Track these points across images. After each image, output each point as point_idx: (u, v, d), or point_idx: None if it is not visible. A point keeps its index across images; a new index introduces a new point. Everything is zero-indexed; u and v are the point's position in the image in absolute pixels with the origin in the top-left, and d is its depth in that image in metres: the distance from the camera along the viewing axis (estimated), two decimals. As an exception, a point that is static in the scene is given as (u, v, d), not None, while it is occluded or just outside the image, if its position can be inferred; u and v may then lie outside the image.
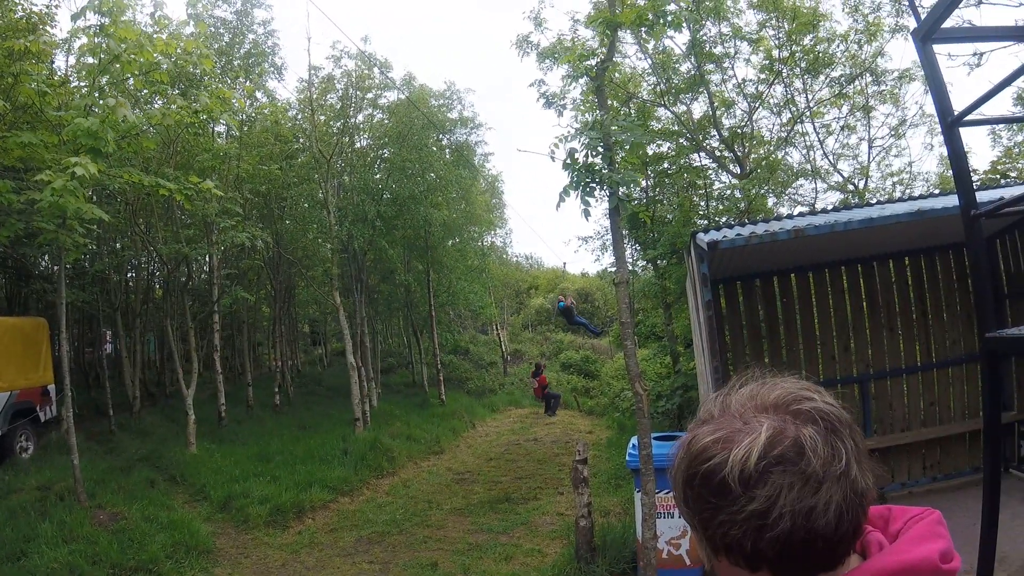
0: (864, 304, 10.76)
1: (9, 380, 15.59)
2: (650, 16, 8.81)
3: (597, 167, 8.02)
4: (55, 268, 22.17)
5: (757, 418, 1.29)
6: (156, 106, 13.98)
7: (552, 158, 8.29)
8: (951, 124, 3.39)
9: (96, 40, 12.52)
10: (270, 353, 32.71)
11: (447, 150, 25.23)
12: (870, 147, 19.66)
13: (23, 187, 12.73)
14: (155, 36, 12.69)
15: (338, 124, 22.11)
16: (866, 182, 19.71)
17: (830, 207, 17.42)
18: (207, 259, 21.76)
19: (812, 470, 1.21)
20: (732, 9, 17.50)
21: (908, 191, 19.48)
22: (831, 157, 19.83)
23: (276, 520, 12.71)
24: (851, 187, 19.46)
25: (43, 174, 11.10)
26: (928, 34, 3.44)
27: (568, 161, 8.08)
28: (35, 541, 10.08)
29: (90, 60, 14.04)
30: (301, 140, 21.96)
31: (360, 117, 23.06)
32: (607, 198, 8.29)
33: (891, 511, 1.40)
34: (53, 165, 11.72)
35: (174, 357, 19.08)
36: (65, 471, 13.22)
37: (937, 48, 3.56)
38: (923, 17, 3.76)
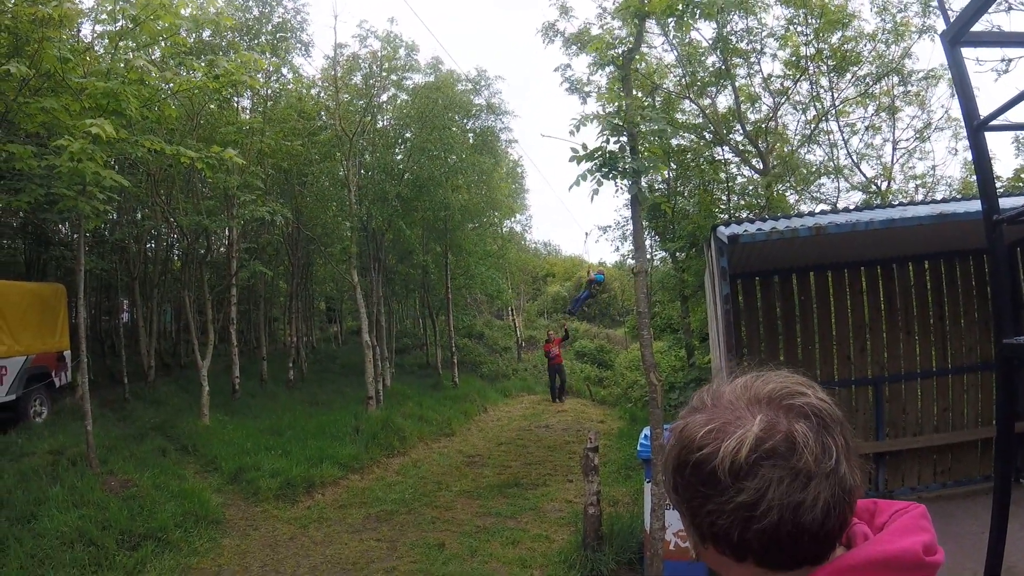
0: (882, 306, 10.72)
1: (25, 344, 15.72)
2: (680, 7, 8.76)
3: (618, 155, 7.96)
4: (74, 235, 22.31)
5: (750, 410, 1.30)
6: (179, 74, 13.97)
7: (573, 133, 8.25)
8: (977, 128, 3.34)
9: (117, 4, 12.54)
10: (285, 329, 32.81)
11: (471, 134, 25.17)
12: (894, 148, 19.56)
13: (44, 152, 12.76)
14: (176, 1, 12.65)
15: (361, 103, 22.04)
16: (889, 184, 19.59)
17: (852, 207, 17.33)
18: (227, 232, 21.82)
19: (802, 466, 1.23)
20: (760, 3, 17.39)
21: (931, 194, 19.35)
22: (854, 156, 19.70)
23: (286, 494, 12.76)
24: (874, 188, 19.33)
25: (62, 139, 11.11)
26: (956, 37, 3.38)
27: (583, 152, 8.01)
28: (46, 504, 10.13)
29: (112, 27, 14.11)
30: (324, 117, 21.95)
31: (384, 97, 22.98)
32: (627, 187, 8.25)
33: (877, 504, 1.41)
34: (75, 131, 11.74)
35: (190, 328, 19.15)
36: (78, 437, 13.31)
37: (965, 52, 3.50)
38: (952, 20, 3.71)
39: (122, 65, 12.43)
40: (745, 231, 8.02)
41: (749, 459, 1.22)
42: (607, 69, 12.77)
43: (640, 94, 17.80)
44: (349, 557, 10.12)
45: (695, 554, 1.46)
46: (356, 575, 9.57)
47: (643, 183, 8.19)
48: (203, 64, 14.23)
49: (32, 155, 12.50)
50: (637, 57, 13.05)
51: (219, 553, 10.21)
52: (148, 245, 24.65)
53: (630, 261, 25.91)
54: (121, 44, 12.99)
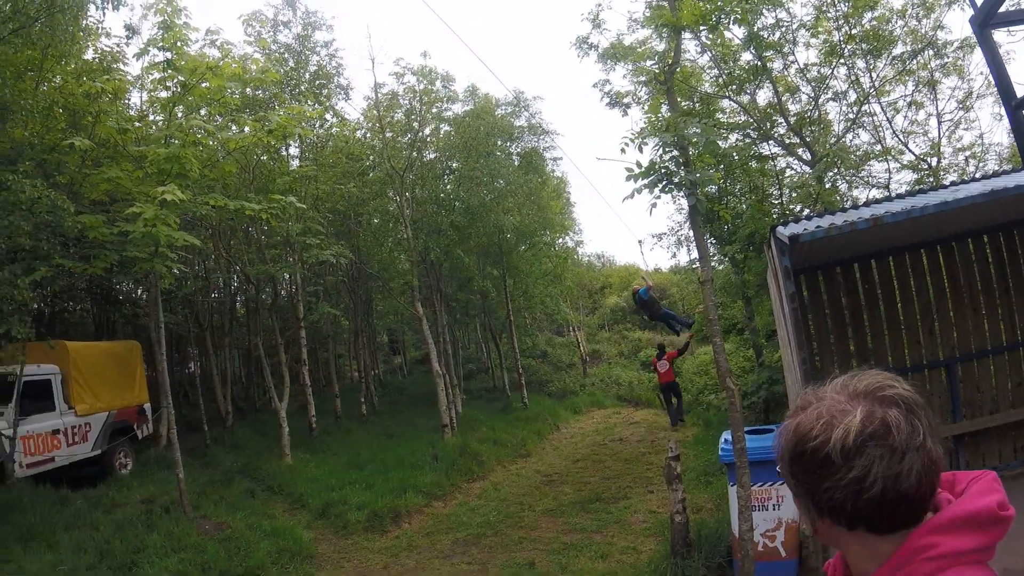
0: (946, 285, 10.57)
1: (107, 401, 16.41)
2: (713, 18, 8.95)
3: (672, 170, 8.14)
4: (140, 292, 22.93)
5: (851, 403, 1.60)
6: (232, 132, 14.44)
7: (623, 151, 8.43)
8: (1016, 107, 3.53)
9: (165, 73, 13.03)
10: (351, 364, 33.21)
11: (515, 157, 25.41)
12: (939, 122, 19.20)
13: (113, 219, 13.26)
14: (221, 63, 13.13)
15: (407, 139, 22.43)
16: (939, 160, 19.37)
17: (904, 189, 17.18)
18: (288, 277, 22.29)
19: (897, 444, 1.52)
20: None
21: (981, 165, 19.14)
22: (901, 136, 19.49)
23: (373, 525, 13.08)
24: (924, 165, 19.13)
25: (134, 206, 11.58)
26: (985, 20, 3.56)
27: (639, 170, 8.20)
28: (144, 552, 10.56)
29: (162, 94, 14.63)
30: (372, 157, 22.36)
31: (428, 131, 23.35)
32: (685, 197, 8.42)
33: (955, 476, 1.68)
34: (139, 197, 12.24)
35: (264, 372, 19.65)
36: (167, 484, 13.82)
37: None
38: (980, 4, 3.89)
39: (180, 129, 12.90)
40: (804, 229, 8.07)
41: (856, 442, 1.53)
42: (647, 83, 12.93)
43: (679, 99, 17.90)
44: (443, 582, 10.38)
45: (811, 530, 1.74)
46: (452, 599, 9.83)
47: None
48: (251, 119, 14.69)
49: (103, 224, 13.02)
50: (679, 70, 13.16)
51: (315, 587, 10.54)
52: (213, 295, 25.26)
53: (682, 263, 26.00)
54: (174, 112, 13.48)
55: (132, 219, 11.76)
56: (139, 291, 23.55)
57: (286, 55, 20.71)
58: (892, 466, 1.51)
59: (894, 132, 19.35)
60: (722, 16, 9.65)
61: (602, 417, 27.09)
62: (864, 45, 17.68)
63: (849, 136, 19.48)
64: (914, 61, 18.31)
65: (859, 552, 1.64)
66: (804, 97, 19.56)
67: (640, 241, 30.20)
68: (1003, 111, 18.71)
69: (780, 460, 1.71)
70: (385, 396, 29.60)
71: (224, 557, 10.59)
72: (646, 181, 8.20)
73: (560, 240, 32.51)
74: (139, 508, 12.75)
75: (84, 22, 15.23)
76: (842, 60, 18.08)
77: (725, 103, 19.72)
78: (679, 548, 9.44)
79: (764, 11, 16.53)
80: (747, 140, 18.62)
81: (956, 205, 7.90)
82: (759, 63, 17.33)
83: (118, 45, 16.00)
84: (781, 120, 18.71)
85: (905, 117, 19.47)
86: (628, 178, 8.26)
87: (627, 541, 11.43)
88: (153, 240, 11.87)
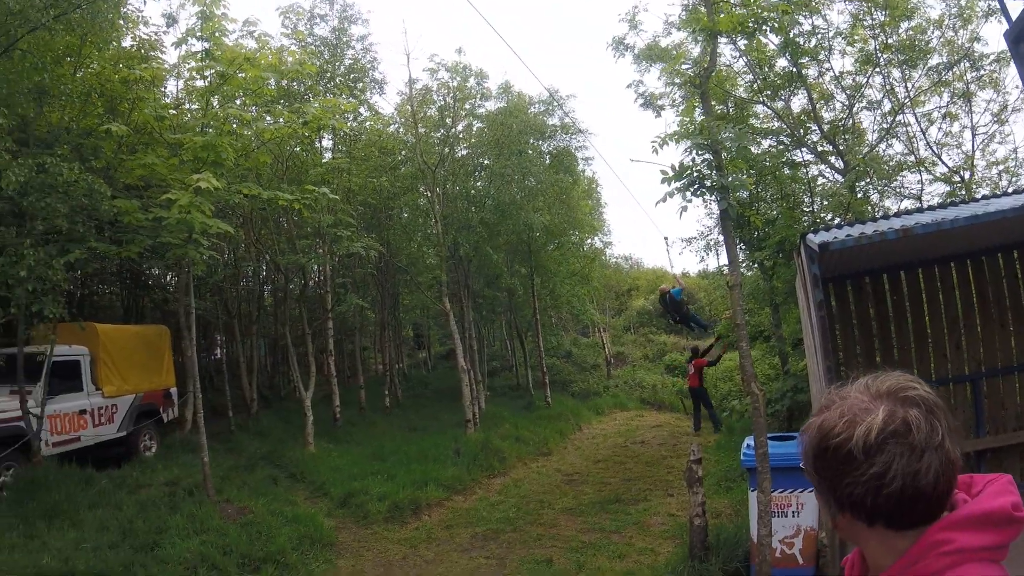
0: (974, 300, 10.45)
1: (134, 383, 16.68)
2: (751, 23, 8.94)
3: (704, 173, 8.18)
4: (170, 277, 23.15)
5: (873, 403, 1.67)
6: (267, 122, 14.58)
7: (656, 152, 8.47)
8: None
9: (203, 62, 13.17)
10: (376, 357, 33.33)
11: (547, 156, 25.42)
12: (973, 135, 18.99)
13: (147, 205, 13.43)
14: (258, 54, 13.25)
15: (439, 135, 22.54)
16: (972, 173, 19.18)
17: (935, 201, 17.06)
18: (317, 268, 22.44)
19: (917, 442, 1.59)
20: (824, 1, 17.28)
21: (1014, 179, 18.93)
22: (934, 147, 19.32)
23: (394, 516, 13.19)
24: (957, 178, 18.95)
25: (169, 193, 11.73)
26: (1020, 35, 3.57)
27: (672, 173, 8.24)
28: (167, 532, 10.71)
29: (199, 83, 14.79)
30: (404, 152, 22.46)
31: (460, 127, 23.46)
32: (716, 201, 8.44)
33: (972, 478, 1.73)
34: (173, 183, 12.39)
35: (289, 361, 19.80)
36: (191, 468, 14.00)
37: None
38: (1015, 19, 3.90)
39: (219, 117, 13.04)
40: (835, 238, 8.02)
41: (877, 439, 1.59)
42: (682, 86, 12.91)
43: (713, 102, 17.80)
44: (460, 575, 10.45)
45: (831, 524, 1.83)
46: (469, 592, 9.90)
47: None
48: (287, 110, 14.81)
49: (138, 209, 13.19)
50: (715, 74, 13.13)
51: (335, 574, 10.67)
52: (242, 283, 25.44)
53: (710, 267, 25.87)
54: (210, 101, 13.63)
55: (167, 205, 11.91)
56: (168, 276, 23.75)
57: (322, 48, 20.87)
58: (911, 464, 1.58)
59: (928, 143, 19.17)
60: (760, 24, 9.61)
61: (624, 419, 27.07)
62: (900, 55, 17.55)
63: (882, 146, 19.31)
64: (950, 72, 18.13)
65: (877, 547, 1.71)
66: (838, 105, 19.39)
67: (666, 238, 30.00)
68: (1038, 126, 18.67)
69: (804, 456, 1.79)
70: (409, 390, 29.74)
71: (245, 541, 10.70)
72: (679, 184, 8.24)
73: (589, 241, 32.45)
74: (163, 490, 12.95)
75: (124, 10, 15.40)
76: (877, 69, 17.95)
77: (759, 108, 19.59)
78: (697, 551, 9.48)
79: (800, 18, 16.46)
80: (780, 146, 18.52)
81: (987, 219, 7.84)
82: (794, 69, 17.25)
83: (156, 34, 16.20)
84: (815, 127, 18.58)
85: (939, 128, 19.28)
86: (663, 180, 8.30)
87: (645, 542, 11.47)
88: (187, 226, 12.02)
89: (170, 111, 15.57)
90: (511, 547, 11.61)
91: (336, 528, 12.45)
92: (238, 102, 14.43)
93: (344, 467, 15.55)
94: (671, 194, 8.32)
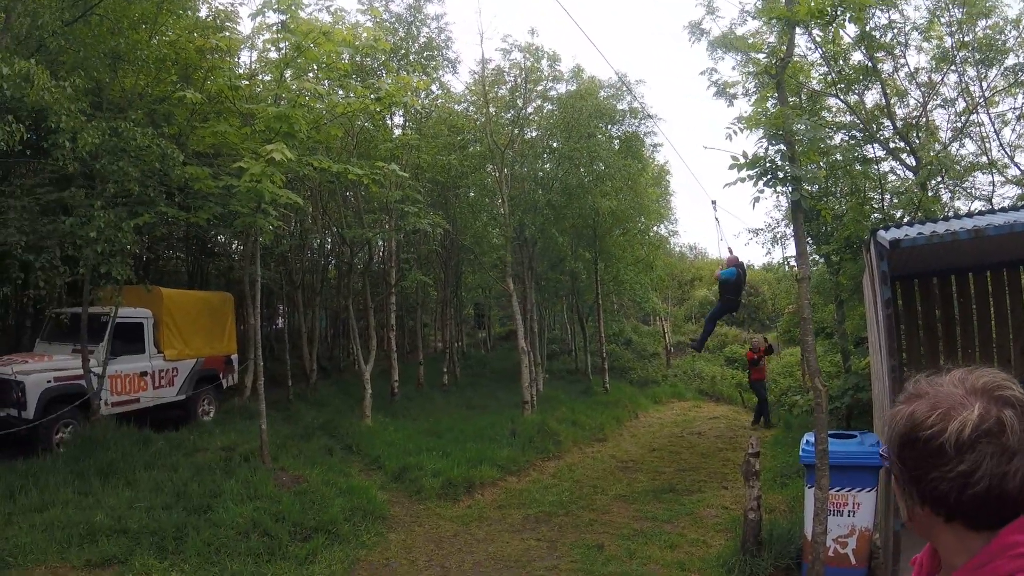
0: None
1: (196, 348, 17.05)
2: (829, 10, 8.76)
3: (777, 164, 8.07)
4: (236, 245, 23.45)
5: (968, 399, 1.62)
6: (339, 96, 14.64)
7: (730, 139, 8.39)
8: None
9: (278, 34, 13.25)
10: (436, 334, 33.54)
11: (616, 140, 25.29)
12: None
13: (217, 173, 13.60)
14: (334, 29, 13.28)
15: (509, 115, 22.52)
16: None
17: (1008, 203, 16.71)
18: (382, 243, 22.58)
19: (1009, 444, 1.55)
20: (901, -4, 16.95)
21: (1089, 185, 18.50)
22: (1007, 149, 18.87)
23: (447, 493, 13.21)
24: (1030, 182, 18.51)
25: (242, 161, 11.85)
26: None
27: (744, 161, 8.14)
28: (220, 497, 10.82)
29: (273, 55, 14.90)
30: (473, 131, 22.46)
31: (530, 109, 23.40)
32: (788, 193, 8.33)
33: None
34: (244, 152, 12.52)
35: (351, 334, 19.98)
36: (247, 434, 14.22)
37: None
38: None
39: (293, 89, 13.12)
40: (906, 235, 7.92)
41: (971, 437, 1.55)
42: (757, 76, 12.71)
43: (787, 94, 17.50)
44: (511, 555, 10.43)
45: (906, 517, 1.77)
46: (519, 572, 9.85)
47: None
48: (360, 86, 14.85)
49: (209, 176, 13.36)
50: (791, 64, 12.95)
51: (386, 547, 10.67)
52: (307, 255, 25.70)
53: (775, 260, 25.52)
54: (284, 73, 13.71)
55: (238, 174, 12.04)
56: (234, 245, 24.08)
57: (396, 25, 20.90)
58: (1000, 465, 1.54)
59: (1001, 144, 18.69)
60: (838, 11, 9.44)
61: (682, 409, 26.97)
62: (976, 53, 17.18)
63: (955, 145, 18.92)
64: None
65: (951, 544, 1.67)
66: (912, 102, 19.04)
67: (714, 202, 29.02)
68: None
69: (889, 443, 1.74)
70: (467, 368, 29.88)
71: (298, 509, 10.78)
72: (751, 172, 8.14)
73: (655, 228, 32.25)
74: (219, 454, 13.17)
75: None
76: (953, 67, 17.61)
77: (831, 101, 19.30)
78: (749, 545, 9.39)
79: (878, 11, 16.18)
80: (852, 141, 18.22)
81: None
82: (869, 64, 16.96)
83: (232, 4, 16.34)
84: (887, 123, 18.26)
85: (1013, 130, 18.82)
86: (732, 167, 8.21)
87: (697, 534, 11.37)
88: (257, 196, 12.14)
89: (244, 81, 15.74)
90: (563, 531, 11.57)
91: (389, 502, 12.50)
92: (311, 75, 14.51)
93: (399, 442, 15.62)
94: (741, 180, 8.21)
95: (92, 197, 12.80)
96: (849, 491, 8.60)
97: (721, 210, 49.54)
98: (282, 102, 13.04)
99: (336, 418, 17.10)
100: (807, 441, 8.84)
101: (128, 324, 15.27)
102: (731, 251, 17.35)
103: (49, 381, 13.40)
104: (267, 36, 14.32)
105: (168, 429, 14.87)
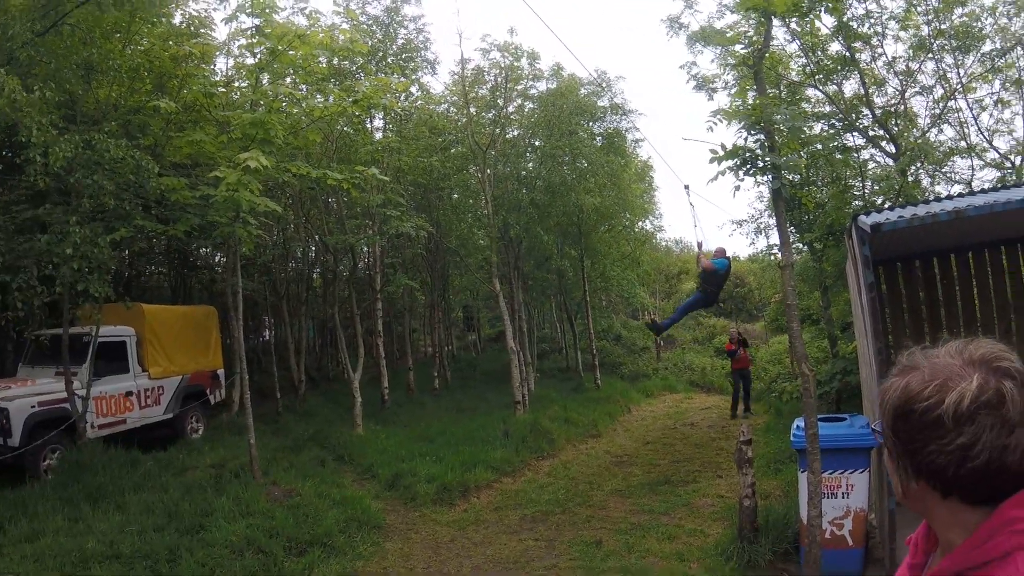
0: None
1: (181, 364, 16.81)
2: (805, 4, 8.75)
3: (757, 153, 8.02)
4: (218, 258, 23.28)
5: (966, 370, 1.55)
6: (317, 100, 14.51)
7: (711, 130, 8.34)
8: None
9: (253, 39, 13.09)
10: (425, 339, 33.44)
11: (598, 137, 25.22)
12: None
13: (195, 183, 13.43)
14: (310, 31, 13.14)
15: (490, 115, 22.43)
16: (1023, 159, 18.91)
17: (988, 186, 16.87)
18: (366, 249, 22.43)
19: (1010, 416, 1.49)
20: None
21: (1065, 166, 18.70)
22: (986, 133, 19.08)
23: (442, 498, 13.11)
24: (1008, 164, 18.70)
25: (218, 170, 11.69)
26: None
27: (723, 152, 8.09)
28: (213, 515, 10.65)
29: (249, 61, 14.74)
30: (454, 132, 22.37)
31: (511, 108, 23.35)
32: (768, 182, 8.30)
33: None
34: (222, 161, 12.36)
35: (338, 343, 19.84)
36: (237, 449, 14.06)
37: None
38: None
39: (269, 94, 12.99)
40: (887, 219, 8.04)
41: (970, 409, 1.48)
42: (735, 67, 12.71)
43: (766, 86, 17.49)
44: (510, 556, 10.35)
45: (900, 492, 1.70)
46: (518, 573, 9.78)
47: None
48: (338, 89, 14.72)
49: (185, 187, 13.18)
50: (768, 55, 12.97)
51: (383, 556, 10.56)
52: (291, 264, 25.53)
53: (759, 249, 25.57)
54: (260, 78, 13.56)
55: (215, 183, 11.87)
56: (217, 257, 23.91)
57: (374, 27, 20.79)
58: (1000, 437, 1.48)
59: (979, 129, 19.01)
60: (814, 4, 9.49)
61: (674, 401, 27.03)
62: (953, 41, 17.34)
63: (934, 131, 19.13)
64: (1002, 59, 17.95)
65: (947, 520, 1.62)
66: (890, 90, 19.29)
67: (687, 186, 29.07)
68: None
69: (883, 415, 1.67)
70: (458, 372, 29.86)
71: (292, 524, 10.66)
72: (730, 163, 8.13)
73: (640, 224, 32.26)
74: (209, 472, 13.03)
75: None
76: (930, 55, 17.78)
77: (811, 92, 19.40)
78: (746, 532, 9.46)
79: (855, 2, 16.25)
80: (831, 130, 18.30)
81: None
82: (847, 54, 17.05)
83: (206, 10, 16.19)
84: (866, 112, 18.36)
85: (991, 115, 19.06)
86: (712, 159, 8.19)
87: (694, 524, 11.38)
88: (235, 205, 11.98)
89: (219, 88, 15.58)
90: (560, 529, 11.52)
91: (384, 510, 12.40)
92: (288, 80, 14.37)
93: (392, 449, 15.52)
94: (722, 172, 8.25)
95: (68, 213, 12.61)
96: (842, 473, 8.67)
97: (697, 196, 49.46)
98: (259, 108, 12.87)
99: (326, 428, 16.95)
100: (797, 426, 8.92)
101: (110, 343, 15.05)
102: (701, 245, 17.06)
103: (33, 406, 13.14)
104: (242, 41, 14.17)
105: (156, 449, 14.65)
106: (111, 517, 10.58)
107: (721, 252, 16.85)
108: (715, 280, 16.21)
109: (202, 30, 15.91)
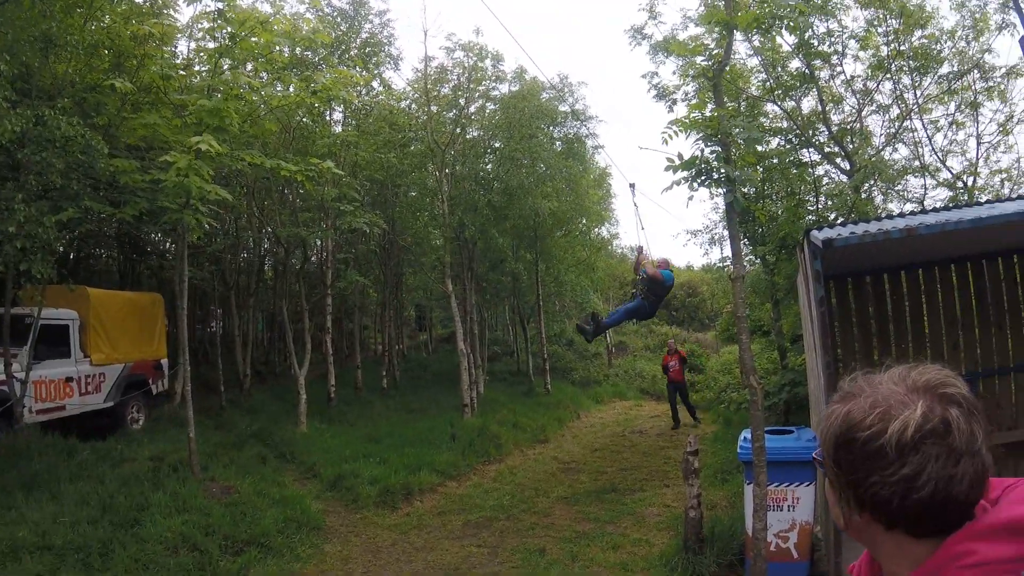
0: (973, 302, 10.58)
1: (124, 352, 16.38)
2: (766, 22, 8.74)
3: (713, 164, 8.00)
4: (169, 244, 22.88)
5: (910, 397, 1.49)
6: (276, 89, 14.29)
7: (666, 143, 8.29)
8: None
9: (215, 22, 12.85)
10: (376, 337, 33.20)
11: (557, 142, 25.21)
12: (978, 143, 19.14)
13: (147, 167, 13.13)
14: (273, 18, 12.93)
15: (451, 114, 22.32)
16: (975, 180, 19.27)
17: (940, 205, 17.08)
18: (319, 243, 22.20)
19: (956, 445, 1.43)
20: (840, 5, 17.26)
21: (1016, 187, 19.05)
22: (939, 153, 19.44)
23: (385, 501, 12.94)
24: (960, 184, 19.04)
25: (168, 155, 11.41)
26: None
27: (679, 162, 8.06)
28: (148, 510, 10.36)
29: (210, 45, 14.47)
30: (414, 129, 22.22)
31: (472, 108, 23.30)
32: (723, 194, 8.27)
33: (989, 482, 1.54)
34: (176, 145, 12.07)
35: (286, 337, 19.55)
36: (177, 443, 13.68)
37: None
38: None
39: (228, 80, 12.75)
40: (839, 235, 8.03)
41: (914, 438, 1.43)
42: (695, 78, 12.74)
43: (726, 99, 17.61)
44: (451, 563, 10.20)
45: (842, 523, 1.63)
46: (459, 581, 9.65)
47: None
48: (298, 79, 14.53)
49: (136, 170, 12.87)
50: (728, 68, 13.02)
51: (321, 559, 10.37)
52: (242, 255, 25.18)
53: (717, 264, 25.70)
54: (219, 64, 13.31)
55: (165, 167, 11.59)
56: (168, 243, 23.49)
57: (339, 19, 20.62)
58: (947, 468, 1.43)
59: (933, 149, 19.45)
60: (775, 21, 9.52)
61: (623, 408, 27.23)
62: (911, 62, 17.68)
63: (888, 150, 19.50)
64: (959, 82, 18.40)
65: (892, 552, 1.56)
66: (848, 108, 19.74)
67: (632, 184, 29.15)
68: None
69: (824, 445, 1.61)
70: (408, 372, 29.65)
71: (229, 522, 10.41)
72: (685, 174, 8.15)
73: (596, 230, 32.34)
74: (147, 465, 12.60)
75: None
76: (888, 75, 18.17)
77: (769, 108, 19.62)
78: (691, 543, 9.46)
79: (816, 20, 16.39)
80: (788, 145, 18.48)
81: (990, 222, 7.82)
82: (807, 71, 17.23)
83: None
84: (823, 128, 18.61)
85: (945, 136, 19.53)
86: (667, 168, 8.19)
87: (640, 533, 11.33)
88: (184, 191, 11.70)
89: (178, 71, 15.30)
90: (504, 536, 11.40)
91: (324, 511, 12.20)
92: (248, 67, 14.12)
93: (336, 448, 15.29)
94: (677, 183, 8.27)
95: (15, 190, 12.23)
96: (788, 486, 8.71)
97: (643, 196, 49.63)
98: (216, 94, 12.61)
99: (270, 425, 16.64)
100: (744, 438, 8.96)
101: (53, 326, 14.56)
102: (642, 249, 16.80)
103: (-30, 389, 12.75)
104: (204, 24, 13.91)
105: (95, 438, 14.16)
106: (44, 507, 10.23)
107: (665, 263, 16.58)
108: (658, 291, 15.90)
109: (165, 11, 15.62)
